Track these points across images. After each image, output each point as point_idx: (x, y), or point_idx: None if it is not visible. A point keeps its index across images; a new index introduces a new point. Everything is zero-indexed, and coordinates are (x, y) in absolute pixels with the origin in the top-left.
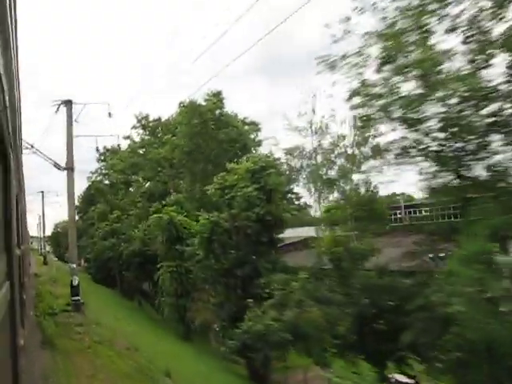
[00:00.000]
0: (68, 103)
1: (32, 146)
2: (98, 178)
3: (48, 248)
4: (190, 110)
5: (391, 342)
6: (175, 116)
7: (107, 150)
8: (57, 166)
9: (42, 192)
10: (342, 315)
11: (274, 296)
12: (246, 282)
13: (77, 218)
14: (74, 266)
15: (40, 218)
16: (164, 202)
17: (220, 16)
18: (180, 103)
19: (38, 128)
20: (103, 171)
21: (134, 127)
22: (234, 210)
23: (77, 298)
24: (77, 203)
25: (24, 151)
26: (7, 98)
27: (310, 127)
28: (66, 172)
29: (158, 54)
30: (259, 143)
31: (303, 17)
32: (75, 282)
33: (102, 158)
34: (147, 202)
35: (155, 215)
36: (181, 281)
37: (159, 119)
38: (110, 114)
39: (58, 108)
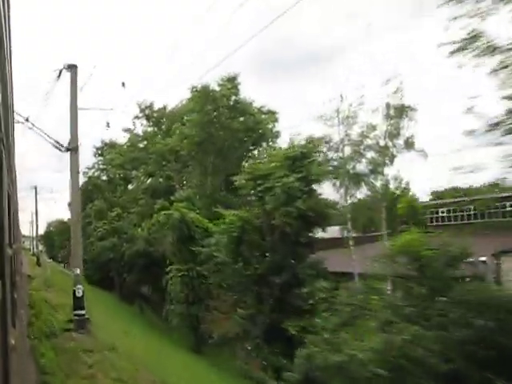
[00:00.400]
0: (72, 68)
1: (27, 120)
2: (96, 174)
3: (40, 248)
4: (202, 95)
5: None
6: (185, 103)
7: (105, 144)
8: (57, 145)
9: (35, 187)
10: (449, 341)
11: (338, 312)
12: (284, 292)
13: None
14: (78, 271)
15: (32, 215)
16: (172, 199)
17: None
18: (192, 88)
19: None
20: (101, 166)
21: (137, 117)
22: (268, 204)
23: (81, 312)
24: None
25: (16, 127)
26: (0, 96)
27: (337, 116)
28: (64, 162)
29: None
30: (277, 134)
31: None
32: (79, 293)
33: (100, 152)
34: (150, 198)
35: (163, 212)
36: (193, 286)
37: (164, 108)
38: (123, 84)
39: (59, 74)
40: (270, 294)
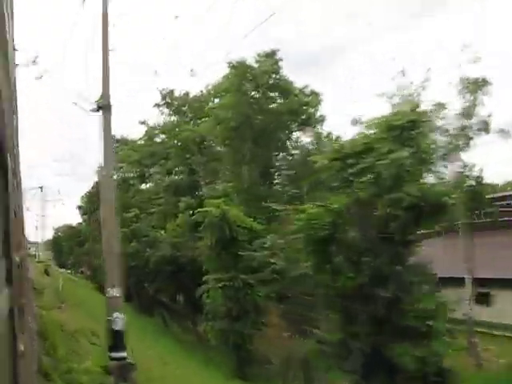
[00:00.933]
0: None
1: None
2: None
3: (46, 254)
4: (239, 72)
5: None
6: (219, 82)
7: (117, 141)
8: (81, 103)
9: (41, 188)
10: None
11: None
12: (390, 308)
13: (80, 220)
14: (117, 292)
15: (38, 220)
16: (200, 195)
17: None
18: (228, 63)
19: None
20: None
21: (157, 105)
22: (364, 190)
23: (122, 354)
24: (80, 203)
25: None
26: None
27: (401, 93)
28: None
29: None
30: (322, 118)
31: None
32: (119, 325)
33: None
34: (173, 196)
35: (199, 210)
36: (237, 299)
37: (187, 94)
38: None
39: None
40: (369, 311)
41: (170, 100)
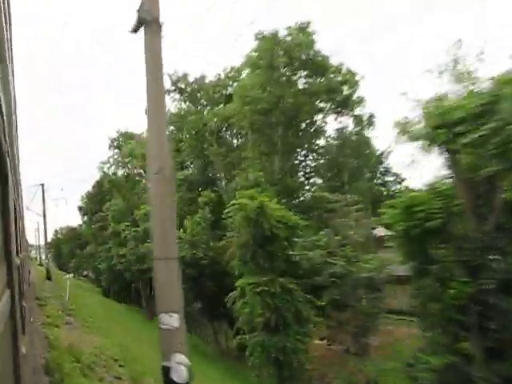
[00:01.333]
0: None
1: None
2: (112, 169)
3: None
4: (269, 46)
5: None
6: (247, 57)
7: (121, 135)
8: None
9: (42, 185)
10: None
11: None
12: None
13: (80, 221)
14: (176, 322)
15: (40, 219)
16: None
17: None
18: (256, 35)
19: None
20: (117, 160)
21: (168, 92)
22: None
23: None
24: (81, 204)
25: None
26: (4, 106)
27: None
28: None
29: None
30: (361, 100)
31: None
32: (181, 377)
33: (115, 144)
34: (188, 192)
35: (232, 202)
36: (275, 307)
37: (203, 78)
38: None
39: None
40: (489, 327)
41: (183, 85)
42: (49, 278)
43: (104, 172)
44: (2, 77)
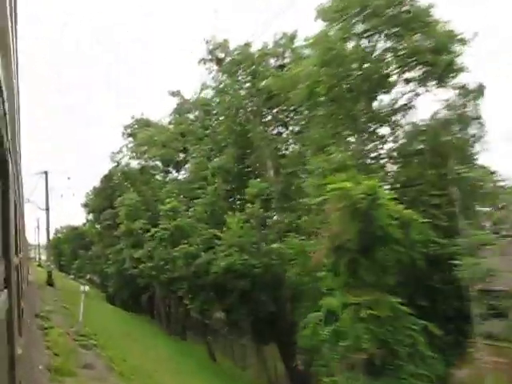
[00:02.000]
0: None
1: None
2: (125, 160)
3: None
4: None
5: None
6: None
7: (136, 121)
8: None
9: (46, 173)
10: None
11: None
12: None
13: (83, 220)
14: None
15: (38, 220)
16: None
17: None
18: None
19: None
20: (131, 149)
21: (203, 61)
22: None
23: None
24: (86, 200)
25: None
26: (7, 104)
27: None
28: None
29: None
30: (463, 68)
31: None
32: None
33: (129, 131)
34: (224, 184)
35: (331, 187)
36: (383, 339)
37: (248, 45)
38: None
39: None
40: None
41: (221, 54)
42: (50, 283)
43: (117, 162)
44: (4, 68)
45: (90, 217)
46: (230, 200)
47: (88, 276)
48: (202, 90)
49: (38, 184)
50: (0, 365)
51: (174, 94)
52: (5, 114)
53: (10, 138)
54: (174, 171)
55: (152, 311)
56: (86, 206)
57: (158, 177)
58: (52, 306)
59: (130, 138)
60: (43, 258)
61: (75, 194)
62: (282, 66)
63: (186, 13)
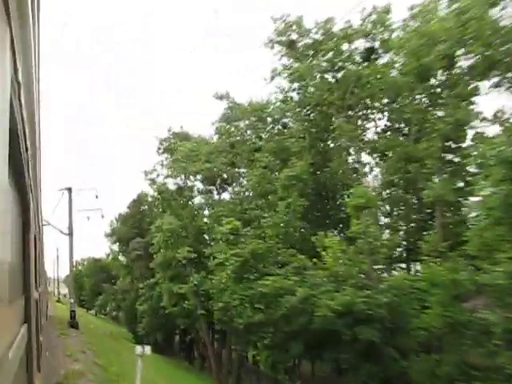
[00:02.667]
0: None
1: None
2: (160, 179)
3: (65, 291)
4: None
5: None
6: None
7: (174, 134)
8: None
9: (70, 190)
10: None
11: None
12: None
13: (106, 251)
14: None
15: (60, 242)
16: None
17: None
18: None
19: None
20: (168, 165)
21: (271, 43)
22: None
23: None
24: (110, 230)
25: None
26: (29, 142)
27: None
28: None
29: None
30: None
31: None
32: None
33: (166, 146)
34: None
35: None
36: None
37: (329, 24)
38: None
39: None
40: None
41: (294, 35)
42: (74, 325)
43: (152, 180)
44: (27, 106)
45: (115, 247)
46: (311, 217)
47: (114, 313)
48: (272, 78)
49: (60, 202)
50: None
51: (223, 96)
52: (26, 149)
53: (31, 172)
54: (216, 192)
55: (190, 355)
56: (110, 235)
57: (197, 199)
58: (81, 364)
59: (166, 155)
60: (63, 291)
61: (104, 216)
62: (371, 50)
63: (186, 13)
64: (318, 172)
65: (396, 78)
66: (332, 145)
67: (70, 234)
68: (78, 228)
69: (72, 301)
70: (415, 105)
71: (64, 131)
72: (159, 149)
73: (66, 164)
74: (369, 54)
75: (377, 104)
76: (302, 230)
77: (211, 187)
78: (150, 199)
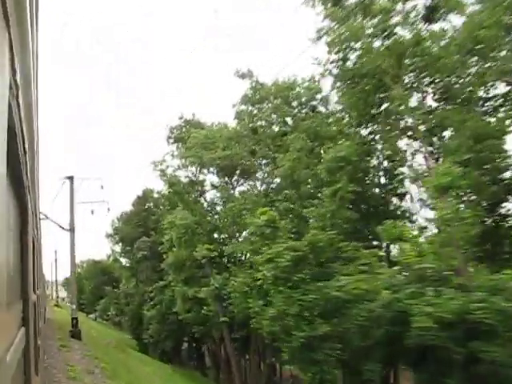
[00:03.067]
0: None
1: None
2: (170, 171)
3: (63, 294)
4: None
5: None
6: None
7: (186, 122)
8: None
9: (71, 179)
10: None
11: None
12: None
13: (108, 252)
14: None
15: (55, 250)
16: None
17: None
18: None
19: None
20: (181, 155)
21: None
22: None
23: None
24: (111, 230)
25: None
26: (27, 142)
27: None
28: None
29: None
30: None
31: None
32: None
33: (177, 133)
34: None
35: None
36: None
37: None
38: None
39: None
40: None
41: None
42: (75, 334)
43: (162, 172)
44: (25, 108)
45: (117, 248)
46: (360, 206)
47: (116, 318)
48: (318, 38)
49: (59, 194)
50: None
51: (245, 75)
52: (25, 152)
53: (29, 173)
54: (231, 187)
55: (202, 365)
56: (112, 235)
57: (209, 194)
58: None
59: (177, 144)
60: (61, 295)
61: (110, 209)
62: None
63: (186, 13)
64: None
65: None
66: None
67: (72, 230)
68: (80, 224)
69: (74, 307)
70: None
71: (64, 131)
72: (169, 138)
73: (66, 162)
74: (429, 14)
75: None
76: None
77: (226, 180)
78: (156, 196)
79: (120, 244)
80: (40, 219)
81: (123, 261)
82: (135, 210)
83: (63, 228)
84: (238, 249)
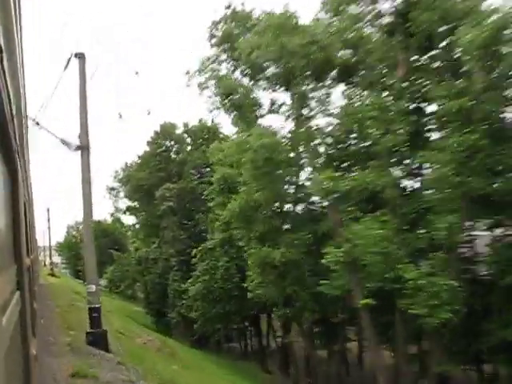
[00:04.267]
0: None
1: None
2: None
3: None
4: None
5: None
6: None
7: (234, 14)
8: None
9: (83, 57)
10: None
11: None
12: None
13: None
14: None
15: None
16: None
17: None
18: None
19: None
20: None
21: None
22: None
23: None
24: (114, 183)
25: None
26: (14, 107)
27: None
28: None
29: None
30: None
31: None
32: None
33: (224, 29)
34: None
35: None
36: None
37: None
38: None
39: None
40: None
41: None
42: (95, 340)
43: (214, 72)
44: (11, 72)
45: (123, 205)
46: None
47: (129, 291)
48: None
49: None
50: (15, 365)
51: None
52: (12, 117)
53: (17, 139)
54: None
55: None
56: (117, 188)
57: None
58: None
59: (223, 46)
60: (54, 260)
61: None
62: None
63: (186, 13)
64: None
65: None
66: None
67: (85, 149)
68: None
69: (93, 288)
70: None
71: (64, 131)
72: (213, 37)
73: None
74: None
75: None
76: None
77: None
78: (178, 132)
79: (128, 197)
80: (31, 185)
81: (131, 219)
82: (151, 150)
83: (69, 146)
84: None
